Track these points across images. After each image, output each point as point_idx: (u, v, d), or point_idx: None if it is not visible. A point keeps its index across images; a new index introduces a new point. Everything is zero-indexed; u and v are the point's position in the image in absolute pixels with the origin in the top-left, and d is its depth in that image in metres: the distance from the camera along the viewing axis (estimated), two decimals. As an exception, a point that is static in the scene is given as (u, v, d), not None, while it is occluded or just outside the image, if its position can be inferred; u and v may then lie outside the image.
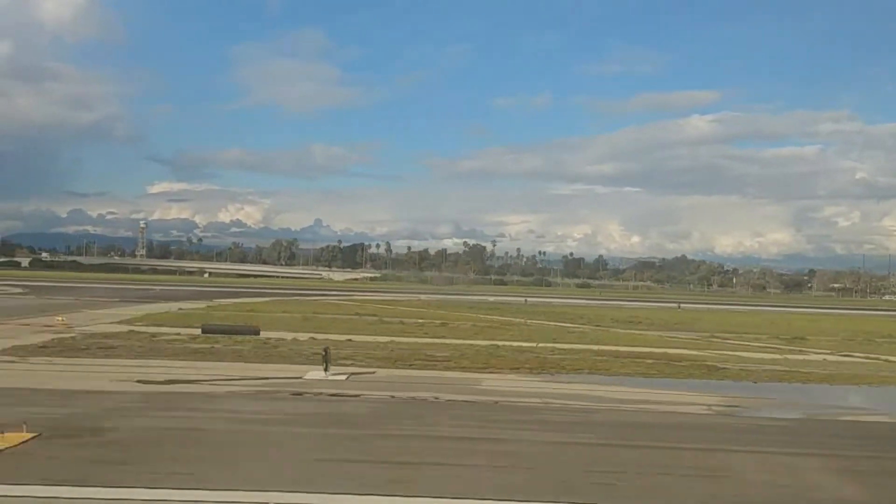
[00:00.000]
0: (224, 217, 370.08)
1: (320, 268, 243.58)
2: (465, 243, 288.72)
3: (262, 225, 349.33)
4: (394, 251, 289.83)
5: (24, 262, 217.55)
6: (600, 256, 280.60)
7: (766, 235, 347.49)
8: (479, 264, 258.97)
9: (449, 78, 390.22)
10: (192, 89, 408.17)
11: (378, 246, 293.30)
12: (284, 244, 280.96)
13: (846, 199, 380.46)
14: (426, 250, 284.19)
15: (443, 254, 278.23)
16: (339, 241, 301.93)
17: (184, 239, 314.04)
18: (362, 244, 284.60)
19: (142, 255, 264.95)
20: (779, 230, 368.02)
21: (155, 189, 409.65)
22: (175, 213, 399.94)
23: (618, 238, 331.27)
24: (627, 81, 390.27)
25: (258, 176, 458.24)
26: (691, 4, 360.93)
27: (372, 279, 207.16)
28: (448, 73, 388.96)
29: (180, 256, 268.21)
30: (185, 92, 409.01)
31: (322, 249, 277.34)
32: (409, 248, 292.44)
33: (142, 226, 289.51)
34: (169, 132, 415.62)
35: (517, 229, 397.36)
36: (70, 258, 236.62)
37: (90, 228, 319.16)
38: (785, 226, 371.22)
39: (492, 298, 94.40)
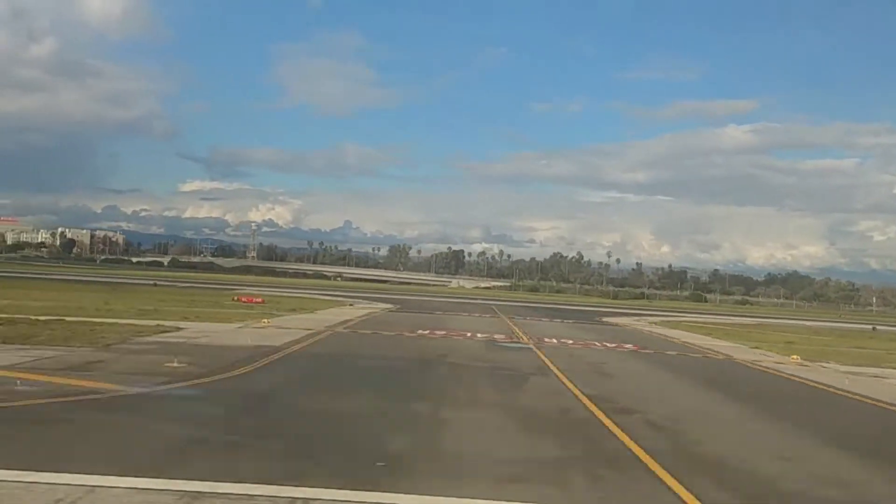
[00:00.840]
0: (254, 216, 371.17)
1: (445, 274, 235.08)
2: (555, 254, 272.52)
3: (292, 225, 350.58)
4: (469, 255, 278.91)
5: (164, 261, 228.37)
6: (716, 271, 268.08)
7: (798, 248, 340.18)
8: (576, 274, 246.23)
9: (485, 80, 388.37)
10: (229, 87, 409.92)
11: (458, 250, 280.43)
12: (401, 248, 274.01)
13: (883, 214, 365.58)
14: (508, 257, 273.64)
15: (535, 264, 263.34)
16: (375, 248, 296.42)
17: (221, 237, 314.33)
18: (462, 250, 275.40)
19: (253, 257, 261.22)
20: (812, 243, 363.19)
21: (187, 187, 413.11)
22: (206, 211, 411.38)
23: (647, 247, 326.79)
24: (664, 88, 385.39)
25: (289, 175, 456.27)
26: (731, 13, 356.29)
27: (508, 289, 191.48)
28: (484, 75, 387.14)
29: (282, 259, 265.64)
30: (223, 90, 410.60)
31: (434, 255, 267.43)
32: (502, 252, 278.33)
33: (253, 227, 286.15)
34: (204, 130, 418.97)
35: (546, 235, 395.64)
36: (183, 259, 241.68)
37: (123, 225, 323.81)
38: (819, 238, 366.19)
39: (808, 323, 77.54)
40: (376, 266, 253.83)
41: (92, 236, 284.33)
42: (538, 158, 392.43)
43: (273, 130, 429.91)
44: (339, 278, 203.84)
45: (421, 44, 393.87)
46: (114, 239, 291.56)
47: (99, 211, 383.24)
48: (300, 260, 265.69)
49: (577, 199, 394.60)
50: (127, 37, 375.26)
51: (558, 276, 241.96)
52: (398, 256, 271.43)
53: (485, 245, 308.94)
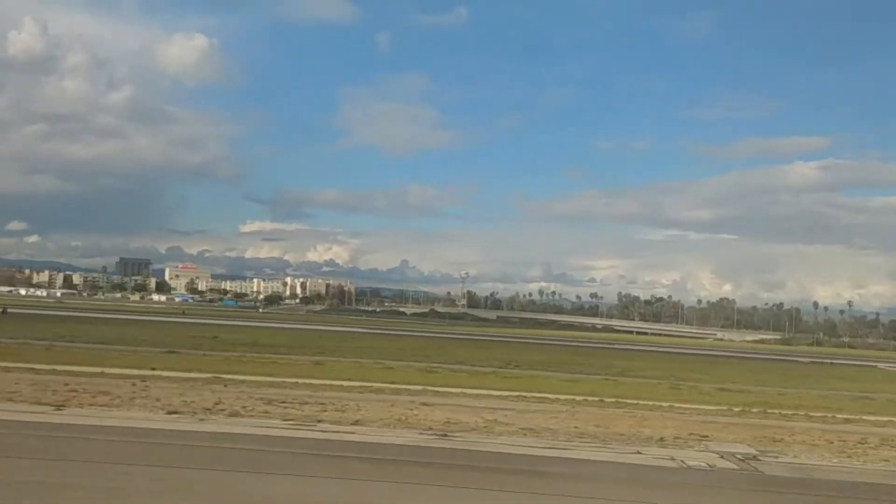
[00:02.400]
0: (313, 256, 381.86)
1: (707, 327, 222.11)
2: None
3: (350, 265, 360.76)
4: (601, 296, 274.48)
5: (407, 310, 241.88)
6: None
7: (867, 287, 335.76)
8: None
9: (549, 120, 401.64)
10: (296, 130, 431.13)
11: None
12: (630, 298, 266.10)
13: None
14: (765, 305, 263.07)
15: (785, 312, 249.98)
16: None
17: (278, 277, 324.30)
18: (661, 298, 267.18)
19: (462, 306, 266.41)
20: (882, 282, 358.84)
21: (247, 228, 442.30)
22: (266, 251, 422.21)
23: (708, 286, 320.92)
24: (731, 126, 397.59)
25: (351, 216, 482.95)
26: (803, 49, 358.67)
27: (782, 342, 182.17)
28: (549, 114, 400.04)
29: (509, 307, 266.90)
30: (291, 133, 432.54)
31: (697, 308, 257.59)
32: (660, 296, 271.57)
33: (462, 275, 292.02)
34: (270, 172, 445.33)
35: (604, 274, 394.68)
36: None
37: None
38: (889, 277, 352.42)
39: None
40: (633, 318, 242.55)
41: (327, 286, 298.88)
42: (599, 197, 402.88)
43: (337, 172, 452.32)
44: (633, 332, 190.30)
45: (485, 85, 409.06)
46: (346, 288, 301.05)
47: (163, 251, 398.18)
48: (521, 308, 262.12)
49: (636, 238, 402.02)
50: (201, 83, 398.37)
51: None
52: (631, 305, 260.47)
53: (543, 284, 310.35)
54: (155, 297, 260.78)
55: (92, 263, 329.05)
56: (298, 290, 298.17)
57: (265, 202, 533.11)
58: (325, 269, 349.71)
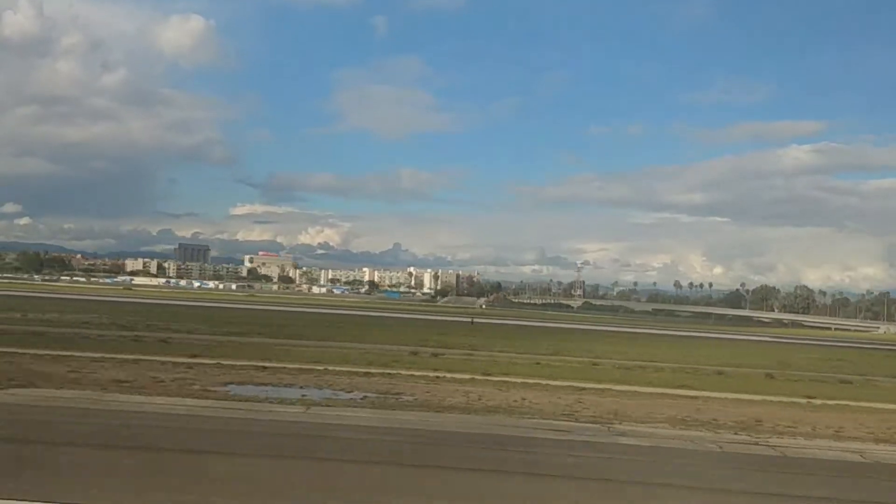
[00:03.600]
0: (305, 239, 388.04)
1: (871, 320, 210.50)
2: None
3: (342, 248, 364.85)
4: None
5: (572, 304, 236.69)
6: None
7: (856, 269, 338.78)
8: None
9: (544, 105, 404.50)
10: (291, 114, 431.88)
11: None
12: (797, 291, 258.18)
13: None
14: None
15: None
16: (431, 269, 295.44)
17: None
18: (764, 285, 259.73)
19: (578, 296, 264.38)
20: (871, 264, 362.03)
21: (238, 211, 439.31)
22: (257, 234, 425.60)
23: (699, 269, 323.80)
24: (727, 110, 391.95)
25: (344, 200, 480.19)
26: (796, 33, 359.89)
27: None
28: (544, 99, 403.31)
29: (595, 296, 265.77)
30: (285, 116, 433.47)
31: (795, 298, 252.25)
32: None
33: (578, 265, 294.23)
34: (263, 155, 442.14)
35: (595, 257, 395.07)
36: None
37: (174, 248, 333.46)
38: (878, 260, 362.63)
39: None
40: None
41: (457, 277, 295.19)
42: (592, 181, 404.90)
43: (330, 156, 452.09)
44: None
45: (482, 70, 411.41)
46: (475, 279, 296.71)
47: (155, 234, 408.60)
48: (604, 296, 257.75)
49: (628, 221, 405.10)
50: (198, 66, 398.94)
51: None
52: (772, 296, 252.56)
53: (536, 267, 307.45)
54: (315, 289, 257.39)
55: (83, 245, 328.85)
56: (428, 282, 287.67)
57: (257, 185, 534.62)
58: (319, 251, 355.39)
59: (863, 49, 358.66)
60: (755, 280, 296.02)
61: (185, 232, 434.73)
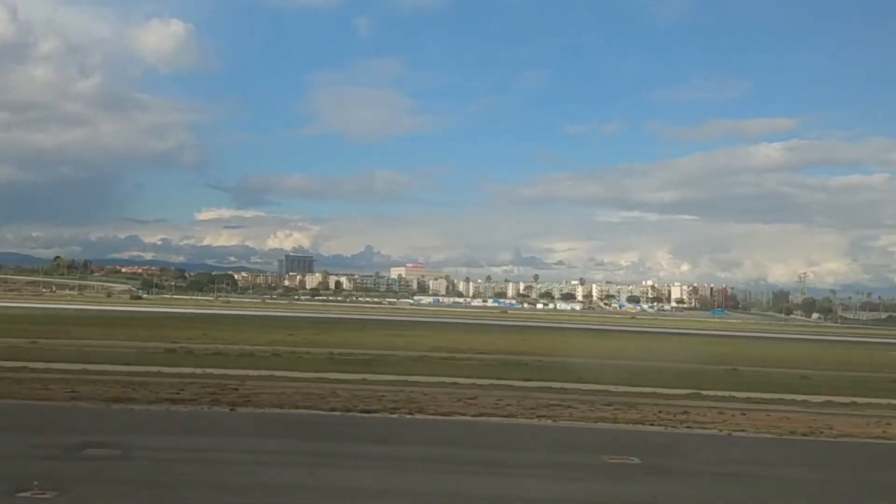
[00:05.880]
0: (273, 243, 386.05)
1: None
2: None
3: (313, 251, 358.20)
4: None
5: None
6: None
7: (821, 265, 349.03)
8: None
9: (521, 104, 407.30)
10: (266, 116, 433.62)
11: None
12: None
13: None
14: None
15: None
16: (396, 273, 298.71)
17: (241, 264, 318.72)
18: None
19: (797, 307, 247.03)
20: (835, 259, 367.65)
21: (204, 216, 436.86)
22: (225, 239, 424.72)
23: (666, 266, 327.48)
24: (703, 108, 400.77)
25: (316, 203, 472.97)
26: (772, 32, 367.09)
27: None
28: (521, 99, 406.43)
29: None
30: (260, 119, 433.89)
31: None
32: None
33: (800, 274, 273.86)
34: (235, 159, 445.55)
35: (564, 256, 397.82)
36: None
37: (146, 255, 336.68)
38: (841, 255, 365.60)
39: None
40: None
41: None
42: (565, 180, 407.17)
43: (303, 158, 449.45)
44: None
45: (459, 70, 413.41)
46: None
47: (123, 238, 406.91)
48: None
49: (598, 220, 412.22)
50: (177, 70, 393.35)
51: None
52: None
53: (508, 268, 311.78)
54: (559, 305, 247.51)
55: (50, 253, 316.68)
56: (595, 293, 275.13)
57: (228, 189, 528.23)
58: (292, 254, 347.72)
59: (836, 45, 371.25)
60: (722, 277, 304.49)
61: (153, 238, 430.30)
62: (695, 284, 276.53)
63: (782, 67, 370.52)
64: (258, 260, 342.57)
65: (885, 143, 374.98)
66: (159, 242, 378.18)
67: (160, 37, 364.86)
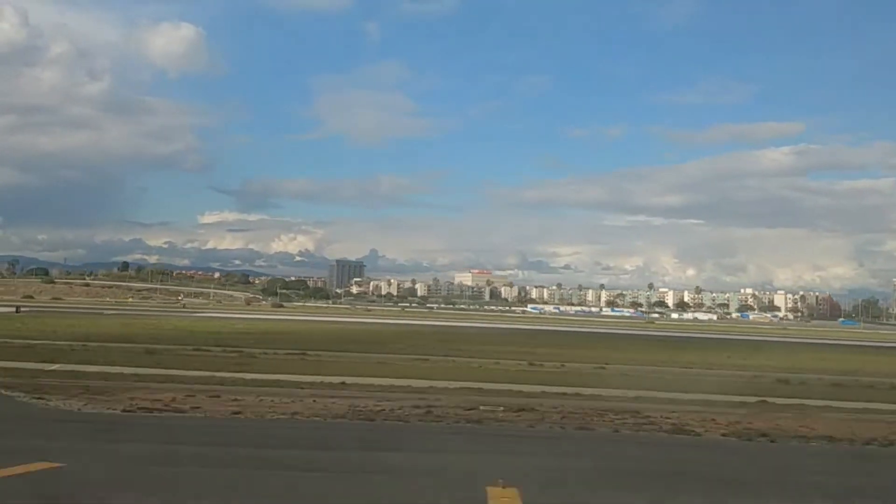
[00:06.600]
0: (277, 247, 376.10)
1: None
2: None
3: (317, 255, 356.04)
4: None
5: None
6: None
7: (827, 269, 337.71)
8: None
9: (524, 108, 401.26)
10: (271, 120, 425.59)
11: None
12: None
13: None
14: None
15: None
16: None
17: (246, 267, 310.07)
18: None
19: None
20: (841, 264, 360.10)
21: (208, 219, 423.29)
22: (229, 242, 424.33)
23: (671, 270, 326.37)
24: (708, 112, 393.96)
25: (319, 206, 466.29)
26: (778, 36, 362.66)
27: None
28: (524, 102, 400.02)
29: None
30: (265, 123, 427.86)
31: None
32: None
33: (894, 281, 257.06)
34: (239, 162, 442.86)
35: (568, 260, 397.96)
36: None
37: (150, 258, 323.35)
38: (848, 259, 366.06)
39: None
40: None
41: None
42: (568, 184, 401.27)
43: (308, 161, 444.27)
44: None
45: (462, 73, 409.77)
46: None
47: (127, 241, 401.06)
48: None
49: (602, 224, 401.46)
50: (186, 74, 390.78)
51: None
52: None
53: (513, 272, 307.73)
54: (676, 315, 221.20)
55: (56, 256, 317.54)
56: (708, 301, 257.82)
57: (231, 193, 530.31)
58: (298, 259, 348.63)
59: (842, 49, 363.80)
60: (727, 281, 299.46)
61: (157, 241, 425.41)
62: (801, 293, 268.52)
63: (788, 71, 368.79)
64: (263, 263, 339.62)
65: (891, 148, 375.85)
66: (164, 245, 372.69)
67: (170, 40, 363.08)
